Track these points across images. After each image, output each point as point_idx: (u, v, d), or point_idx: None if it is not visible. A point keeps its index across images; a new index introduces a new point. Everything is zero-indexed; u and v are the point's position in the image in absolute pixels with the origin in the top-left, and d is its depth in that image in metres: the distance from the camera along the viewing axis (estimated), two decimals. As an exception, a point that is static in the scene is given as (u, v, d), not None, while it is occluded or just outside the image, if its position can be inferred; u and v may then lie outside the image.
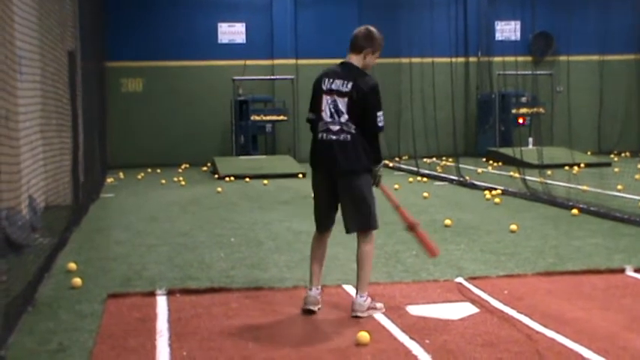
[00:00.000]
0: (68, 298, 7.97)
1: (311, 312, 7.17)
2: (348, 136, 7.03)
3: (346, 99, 7.02)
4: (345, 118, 7.03)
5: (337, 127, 7.05)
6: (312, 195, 7.41)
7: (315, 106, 7.19)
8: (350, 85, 7.03)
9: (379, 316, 6.98)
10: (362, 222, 7.15)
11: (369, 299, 7.10)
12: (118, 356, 6.07)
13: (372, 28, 7.23)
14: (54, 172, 13.94)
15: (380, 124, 7.09)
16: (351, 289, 7.95)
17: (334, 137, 7.06)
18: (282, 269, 9.12)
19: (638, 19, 26.88)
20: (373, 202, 7.20)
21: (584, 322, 6.74)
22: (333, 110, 7.06)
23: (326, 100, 7.10)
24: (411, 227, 7.57)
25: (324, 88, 7.13)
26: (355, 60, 7.16)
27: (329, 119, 7.09)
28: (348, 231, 7.24)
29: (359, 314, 6.97)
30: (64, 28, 14.92)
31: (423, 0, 25.73)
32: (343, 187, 7.13)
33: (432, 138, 23.55)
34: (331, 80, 7.11)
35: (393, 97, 25.88)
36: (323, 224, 7.36)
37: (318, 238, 7.41)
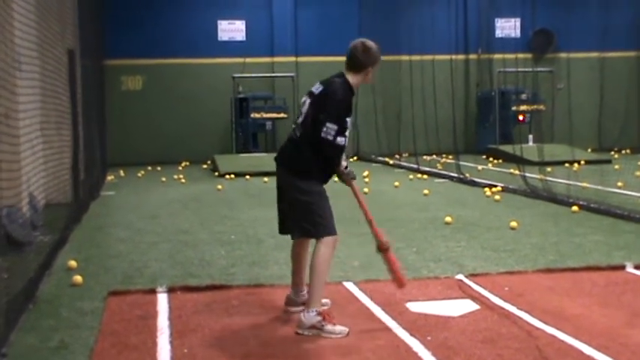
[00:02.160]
0: (69, 295, 7.98)
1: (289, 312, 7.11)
2: (298, 136, 6.78)
3: (309, 100, 6.77)
4: (300, 119, 6.80)
5: (293, 126, 6.91)
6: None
7: None
8: (320, 89, 6.78)
9: (379, 313, 6.98)
10: (304, 229, 6.79)
11: (319, 317, 6.48)
12: (119, 353, 6.07)
13: (369, 43, 6.81)
14: (54, 170, 13.95)
15: (323, 135, 6.52)
16: (351, 286, 7.97)
17: (290, 135, 6.90)
18: (283, 267, 9.11)
19: (638, 16, 26.91)
20: (322, 209, 6.70)
21: (584, 318, 6.75)
22: (300, 110, 6.87)
23: (303, 100, 6.91)
24: (382, 248, 7.01)
25: (311, 89, 6.93)
26: (353, 78, 6.78)
27: (296, 118, 7.01)
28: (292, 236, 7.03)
29: (298, 331, 6.50)
30: (64, 25, 14.92)
31: (423, -3, 25.77)
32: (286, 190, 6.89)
33: (433, 135, 23.54)
34: (318, 85, 6.86)
35: (393, 95, 25.91)
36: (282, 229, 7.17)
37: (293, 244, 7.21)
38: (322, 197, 6.74)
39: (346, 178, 6.95)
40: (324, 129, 6.51)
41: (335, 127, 6.52)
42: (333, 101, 6.62)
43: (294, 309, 7.08)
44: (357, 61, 6.78)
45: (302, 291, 7.14)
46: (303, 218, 6.71)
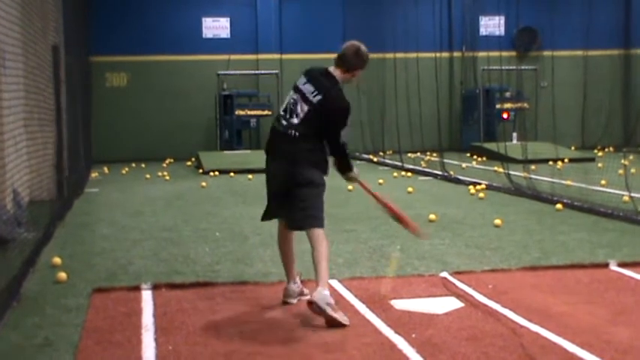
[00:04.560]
0: (53, 292, 7.96)
1: (288, 303, 7.28)
2: (297, 136, 6.99)
3: (307, 107, 6.95)
4: (295, 121, 6.97)
5: (285, 123, 7.02)
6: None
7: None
8: (318, 98, 6.95)
9: (364, 310, 6.99)
10: (307, 219, 7.06)
11: (332, 300, 6.69)
12: (103, 350, 6.06)
13: (364, 48, 7.11)
14: (38, 167, 13.91)
15: (343, 140, 7.13)
16: (335, 284, 7.97)
17: (282, 130, 7.06)
18: (268, 264, 9.13)
19: (621, 14, 27.03)
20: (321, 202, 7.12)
21: (568, 316, 6.77)
22: (291, 108, 7.00)
23: (290, 96, 7.08)
24: (389, 209, 7.64)
25: (296, 83, 7.11)
26: (340, 75, 7.06)
27: (282, 113, 7.11)
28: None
29: (315, 300, 6.55)
30: (47, 21, 14.88)
31: (408, -5, 25.80)
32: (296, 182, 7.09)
33: (417, 133, 23.58)
34: (305, 82, 7.04)
35: (377, 92, 25.93)
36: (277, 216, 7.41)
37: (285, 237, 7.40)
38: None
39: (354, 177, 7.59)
40: (338, 136, 7.07)
41: (344, 129, 7.07)
42: (343, 115, 7.05)
43: (293, 300, 7.28)
44: (350, 62, 7.08)
45: (296, 282, 7.32)
46: (313, 207, 6.97)
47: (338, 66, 7.08)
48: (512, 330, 6.34)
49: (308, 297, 7.10)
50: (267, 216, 7.46)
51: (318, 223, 6.94)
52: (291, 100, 7.04)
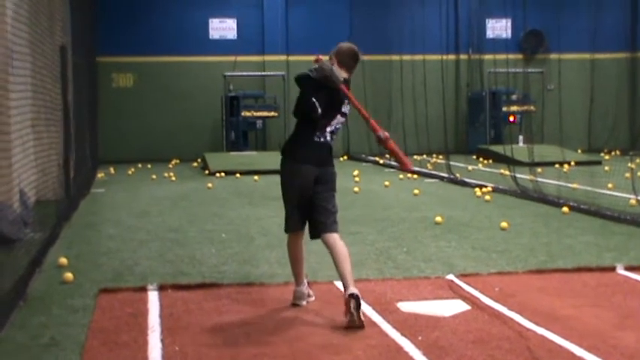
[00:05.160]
0: (60, 292, 7.97)
1: (298, 305, 7.31)
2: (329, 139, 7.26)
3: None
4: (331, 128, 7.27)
5: (328, 136, 7.30)
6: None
7: None
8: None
9: (370, 312, 6.98)
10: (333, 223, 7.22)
11: None
12: (109, 351, 6.07)
13: (348, 45, 7.36)
14: (44, 167, 13.93)
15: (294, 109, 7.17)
16: (341, 286, 7.94)
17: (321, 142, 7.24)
18: (274, 265, 9.12)
19: (628, 17, 26.98)
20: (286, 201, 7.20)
21: (574, 319, 6.76)
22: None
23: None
24: (381, 140, 7.38)
25: None
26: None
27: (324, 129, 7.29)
28: None
29: (357, 294, 6.65)
30: (54, 21, 14.90)
31: (414, -3, 25.83)
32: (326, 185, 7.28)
33: (423, 135, 23.59)
34: None
35: (383, 94, 25.94)
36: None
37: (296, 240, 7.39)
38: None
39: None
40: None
41: (302, 98, 7.14)
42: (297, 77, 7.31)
43: (303, 302, 7.30)
44: (353, 64, 7.27)
45: (305, 284, 7.36)
46: (334, 209, 7.13)
47: (344, 68, 7.21)
48: (519, 333, 6.34)
49: (312, 299, 7.20)
50: (294, 227, 7.28)
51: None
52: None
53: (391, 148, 7.37)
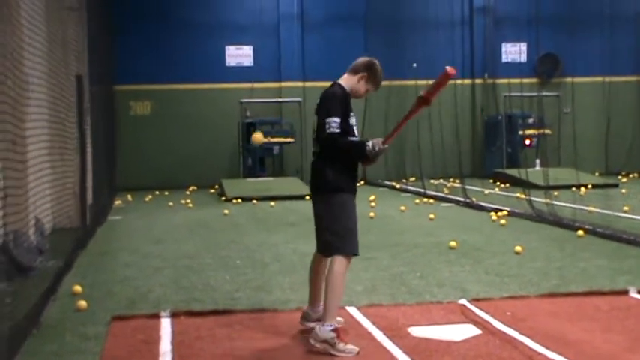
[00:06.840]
0: (73, 320, 8.01)
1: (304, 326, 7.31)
2: (315, 157, 7.09)
3: (316, 117, 7.07)
4: (314, 136, 7.09)
5: (313, 149, 7.16)
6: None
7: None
8: (318, 101, 7.09)
9: (381, 337, 7.00)
10: (322, 245, 7.10)
11: (333, 333, 6.62)
12: (121, 378, 6.11)
13: (375, 60, 7.22)
14: (60, 195, 14.01)
15: (329, 131, 6.79)
16: (354, 311, 7.98)
17: (313, 159, 7.15)
18: (287, 291, 9.15)
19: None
20: (338, 225, 6.93)
21: (586, 343, 6.75)
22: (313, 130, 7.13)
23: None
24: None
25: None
26: (346, 79, 7.12)
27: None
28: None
29: (311, 341, 6.69)
30: (70, 51, 15.03)
31: (429, 22, 25.89)
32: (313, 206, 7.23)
33: (439, 159, 23.60)
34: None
35: (398, 119, 25.87)
36: None
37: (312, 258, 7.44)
38: (343, 208, 6.96)
39: (376, 154, 7.07)
40: (327, 126, 6.78)
41: (337, 119, 6.79)
42: (326, 95, 6.95)
43: (309, 324, 7.23)
44: (356, 65, 7.17)
45: (318, 307, 7.25)
46: (322, 232, 7.05)
47: (347, 72, 7.17)
48: (529, 357, 6.34)
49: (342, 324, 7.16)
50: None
51: None
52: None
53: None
